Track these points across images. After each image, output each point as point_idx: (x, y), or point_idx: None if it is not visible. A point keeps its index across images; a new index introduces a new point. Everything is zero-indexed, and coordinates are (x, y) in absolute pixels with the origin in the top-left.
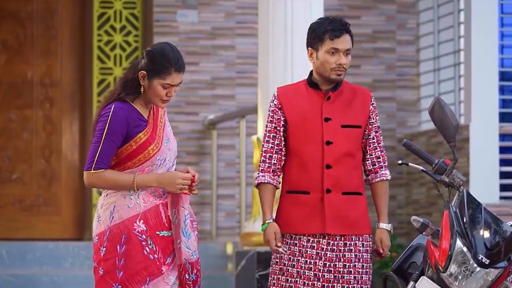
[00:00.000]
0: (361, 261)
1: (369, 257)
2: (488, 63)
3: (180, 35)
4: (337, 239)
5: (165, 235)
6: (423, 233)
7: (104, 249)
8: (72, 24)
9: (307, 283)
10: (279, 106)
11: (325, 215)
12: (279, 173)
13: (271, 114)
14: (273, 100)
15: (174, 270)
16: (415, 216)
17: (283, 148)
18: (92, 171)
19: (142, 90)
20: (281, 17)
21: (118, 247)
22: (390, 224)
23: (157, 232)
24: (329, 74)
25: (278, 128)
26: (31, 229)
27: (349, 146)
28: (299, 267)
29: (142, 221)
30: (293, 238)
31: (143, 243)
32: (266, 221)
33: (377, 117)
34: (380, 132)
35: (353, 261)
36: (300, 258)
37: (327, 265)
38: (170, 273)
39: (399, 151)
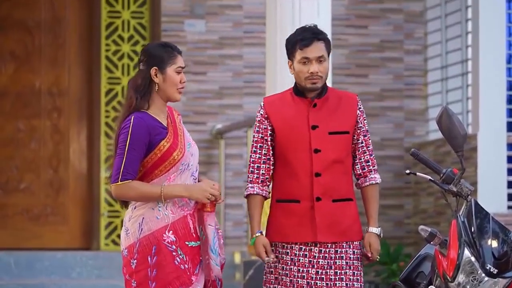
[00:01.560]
0: (352, 268)
1: (360, 264)
2: (496, 73)
3: (187, 44)
4: (329, 247)
5: (194, 245)
6: (431, 242)
7: (135, 261)
8: (80, 34)
9: None
10: (266, 115)
11: (316, 223)
12: (268, 183)
13: (257, 124)
14: (260, 110)
15: (201, 280)
16: (423, 225)
17: (271, 158)
18: (120, 182)
19: (157, 88)
20: (289, 27)
21: (149, 258)
22: (379, 228)
23: (186, 243)
24: (304, 83)
25: (266, 137)
26: (39, 239)
27: (337, 153)
28: (292, 276)
29: (171, 231)
30: (285, 247)
31: (174, 253)
32: (254, 235)
33: (365, 121)
34: (369, 136)
35: (344, 268)
36: (292, 266)
37: (320, 273)
38: (198, 283)
39: (407, 161)
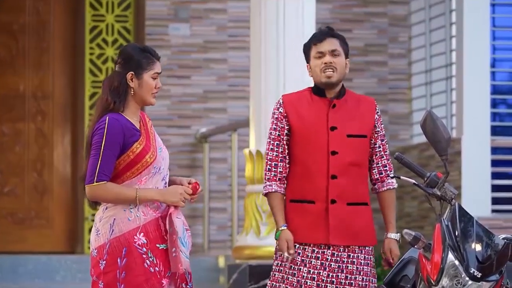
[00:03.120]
0: (361, 274)
1: (369, 270)
2: (480, 77)
3: (172, 48)
4: (341, 250)
5: (165, 248)
6: (415, 246)
7: (104, 262)
8: (64, 37)
9: None
10: (285, 114)
11: (329, 225)
12: (285, 181)
13: (275, 122)
14: (278, 108)
15: (173, 284)
16: (407, 229)
17: (287, 156)
18: (95, 183)
19: (132, 92)
20: (273, 30)
21: (118, 260)
22: (398, 234)
23: (157, 245)
24: (320, 77)
25: (282, 136)
26: (23, 242)
27: (354, 156)
28: (300, 277)
29: (142, 234)
30: (297, 248)
31: (144, 256)
32: (280, 228)
33: (382, 126)
34: (386, 140)
35: (354, 273)
36: (302, 267)
37: (330, 276)
38: (170, 286)
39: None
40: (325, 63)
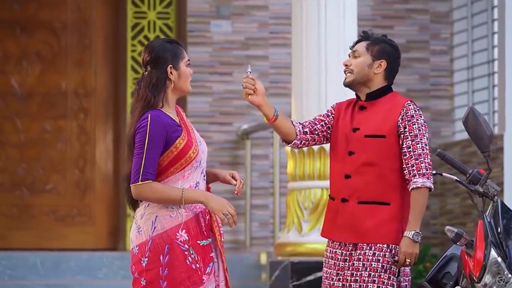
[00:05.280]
0: (367, 269)
1: (380, 266)
2: None
3: (213, 45)
4: (350, 249)
5: (205, 244)
6: (457, 243)
7: (146, 259)
8: (106, 34)
9: None
10: (332, 112)
11: (338, 223)
12: (302, 125)
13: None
14: (331, 106)
15: (212, 280)
16: (449, 226)
17: (317, 125)
18: (140, 182)
19: (172, 85)
20: (315, 27)
21: (161, 257)
22: (413, 232)
23: (198, 242)
24: None
25: (320, 117)
26: (65, 240)
27: (369, 156)
28: (324, 274)
29: (184, 230)
30: (327, 244)
31: (186, 252)
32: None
33: (415, 126)
34: (418, 140)
35: (360, 269)
36: (326, 265)
37: (339, 275)
38: (210, 283)
39: (433, 161)
40: (344, 65)
